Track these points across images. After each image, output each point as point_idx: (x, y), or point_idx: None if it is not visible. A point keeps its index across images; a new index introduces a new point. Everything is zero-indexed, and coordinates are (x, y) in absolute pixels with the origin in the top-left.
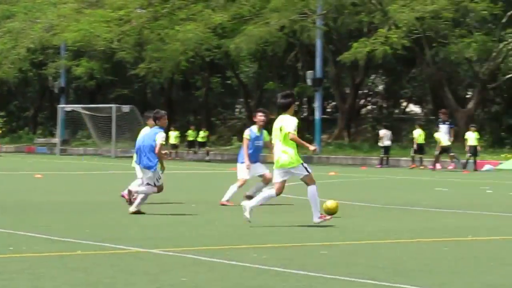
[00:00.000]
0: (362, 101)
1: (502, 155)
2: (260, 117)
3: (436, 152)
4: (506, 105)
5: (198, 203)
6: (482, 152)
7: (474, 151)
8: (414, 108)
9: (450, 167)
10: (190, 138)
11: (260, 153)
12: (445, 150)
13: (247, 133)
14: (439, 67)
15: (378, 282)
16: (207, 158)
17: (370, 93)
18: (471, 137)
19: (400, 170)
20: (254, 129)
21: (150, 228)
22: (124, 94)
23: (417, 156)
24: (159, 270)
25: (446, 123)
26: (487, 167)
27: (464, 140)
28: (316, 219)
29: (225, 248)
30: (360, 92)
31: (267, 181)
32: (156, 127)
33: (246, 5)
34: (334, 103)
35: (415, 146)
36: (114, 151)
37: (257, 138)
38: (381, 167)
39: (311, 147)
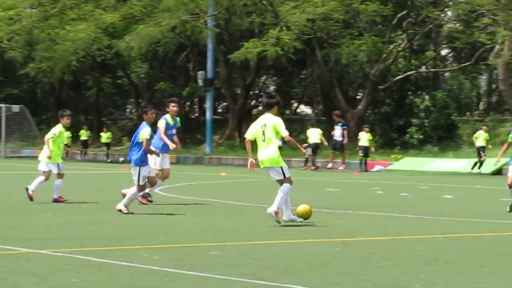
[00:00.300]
0: (253, 102)
1: (392, 156)
2: (173, 107)
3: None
4: (396, 106)
5: (89, 203)
6: (372, 152)
7: (365, 151)
8: (305, 109)
9: (341, 168)
10: (83, 138)
11: (171, 141)
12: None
13: (162, 122)
14: (329, 68)
15: (269, 283)
16: (108, 160)
17: (261, 93)
18: (364, 138)
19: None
20: (168, 118)
21: (39, 229)
22: (13, 94)
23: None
24: (49, 271)
25: (339, 124)
26: (377, 167)
27: (357, 140)
28: (285, 218)
29: (116, 248)
30: (251, 92)
31: (164, 177)
32: (144, 122)
33: (137, 5)
34: (225, 103)
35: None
36: (4, 151)
37: (171, 127)
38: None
39: (303, 150)
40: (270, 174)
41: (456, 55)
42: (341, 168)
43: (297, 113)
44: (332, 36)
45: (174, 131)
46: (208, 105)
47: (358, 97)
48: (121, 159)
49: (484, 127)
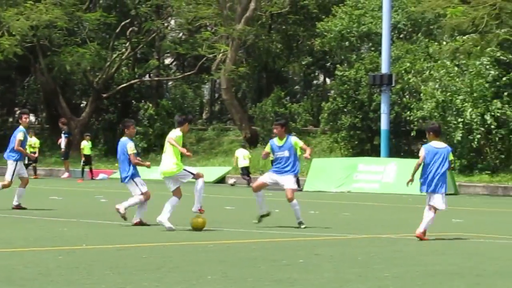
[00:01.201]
0: None
1: (116, 164)
2: (25, 119)
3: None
4: (120, 114)
5: None
6: (97, 161)
7: (89, 160)
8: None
9: (64, 176)
10: None
11: None
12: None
13: (21, 135)
14: (53, 76)
15: None
16: None
17: None
18: (86, 146)
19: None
20: (22, 129)
21: None
22: None
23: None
24: None
25: (63, 132)
26: (101, 176)
27: (80, 149)
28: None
29: None
30: None
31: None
32: (125, 137)
33: None
34: None
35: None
36: None
37: (27, 138)
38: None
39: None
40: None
41: (179, 64)
42: (65, 176)
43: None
44: (55, 43)
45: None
46: None
47: (82, 105)
48: None
49: None
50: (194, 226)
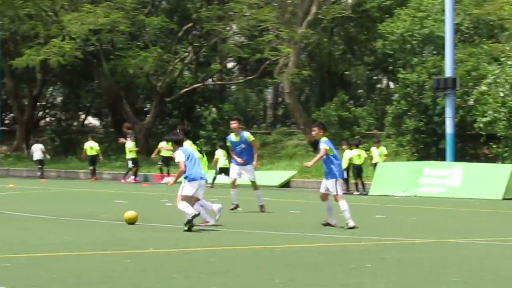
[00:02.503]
0: (41, 113)
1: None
2: None
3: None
4: (183, 118)
5: None
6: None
7: (167, 161)
8: (92, 121)
9: (129, 180)
10: None
11: None
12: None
13: None
14: (116, 80)
15: None
16: None
17: (49, 105)
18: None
19: (80, 182)
20: None
21: None
22: None
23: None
24: None
25: (128, 136)
26: (166, 179)
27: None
28: None
29: None
30: (38, 104)
31: None
32: None
33: None
34: (12, 114)
35: (83, 155)
36: None
37: None
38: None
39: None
40: None
41: (242, 68)
42: (130, 180)
43: (85, 124)
44: (118, 47)
45: None
46: None
47: (145, 109)
48: None
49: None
50: (127, 220)
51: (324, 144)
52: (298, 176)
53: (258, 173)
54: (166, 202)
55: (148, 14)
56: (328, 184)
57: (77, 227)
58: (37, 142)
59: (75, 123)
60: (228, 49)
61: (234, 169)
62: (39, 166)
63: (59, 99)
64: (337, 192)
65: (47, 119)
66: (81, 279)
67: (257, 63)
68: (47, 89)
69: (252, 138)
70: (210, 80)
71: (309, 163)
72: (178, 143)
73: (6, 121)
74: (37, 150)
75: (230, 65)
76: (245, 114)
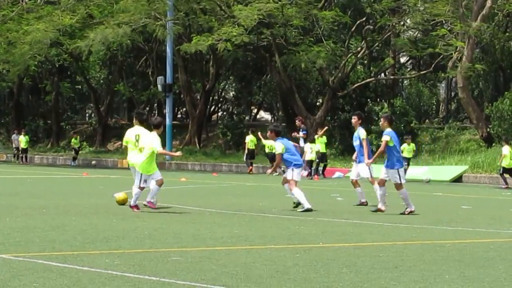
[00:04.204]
0: (213, 108)
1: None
2: None
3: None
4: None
5: (49, 208)
6: (332, 159)
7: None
8: (264, 115)
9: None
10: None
11: None
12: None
13: None
14: (288, 75)
15: None
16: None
17: (221, 99)
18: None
19: (251, 177)
20: None
21: None
22: None
23: (249, 161)
24: (10, 275)
25: (300, 129)
26: (337, 174)
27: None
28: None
29: (77, 253)
30: (211, 98)
31: None
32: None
33: (96, 9)
34: (184, 109)
35: (246, 151)
36: None
37: None
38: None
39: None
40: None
41: (415, 63)
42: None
43: (257, 119)
44: (291, 42)
45: None
46: (167, 110)
47: (317, 103)
48: (93, 162)
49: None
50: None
51: (386, 136)
52: (470, 171)
53: (430, 168)
54: (337, 196)
55: (322, 8)
56: (389, 173)
57: (247, 221)
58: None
59: (247, 117)
60: (401, 43)
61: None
62: None
63: (231, 93)
64: (400, 180)
65: (219, 114)
66: (251, 273)
67: (430, 58)
68: (219, 83)
69: (362, 136)
70: (382, 74)
71: (369, 161)
72: (277, 134)
73: (179, 116)
74: None
75: (403, 59)
76: (418, 109)
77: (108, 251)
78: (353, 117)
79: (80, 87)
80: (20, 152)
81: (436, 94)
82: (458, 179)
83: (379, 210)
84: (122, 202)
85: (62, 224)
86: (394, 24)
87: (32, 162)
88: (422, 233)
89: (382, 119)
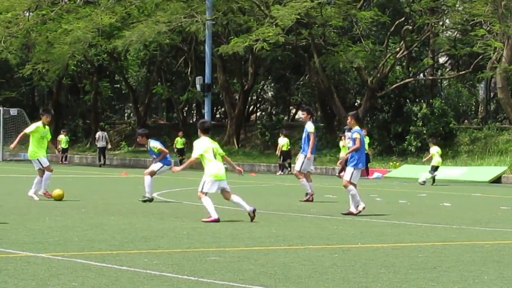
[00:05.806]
0: (251, 108)
1: (391, 163)
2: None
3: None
4: (394, 114)
5: (87, 207)
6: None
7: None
8: (303, 115)
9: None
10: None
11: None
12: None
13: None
14: (327, 75)
15: None
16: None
17: (260, 99)
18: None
19: (289, 177)
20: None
21: (38, 232)
22: (11, 97)
23: (284, 163)
24: (49, 274)
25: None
26: (376, 174)
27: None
28: None
29: (116, 253)
30: (249, 98)
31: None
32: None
33: (135, 9)
34: (223, 109)
35: (277, 152)
36: (2, 154)
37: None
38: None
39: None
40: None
41: (454, 63)
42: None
43: (296, 119)
44: (329, 42)
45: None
46: (206, 110)
47: (356, 104)
48: None
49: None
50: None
51: (356, 134)
52: (510, 172)
53: (469, 169)
54: (376, 197)
55: (361, 8)
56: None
57: (285, 221)
58: (102, 130)
59: (285, 118)
60: (440, 43)
61: None
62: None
63: (270, 93)
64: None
65: (258, 114)
66: (289, 273)
67: (469, 58)
68: (258, 83)
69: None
70: (421, 75)
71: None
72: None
73: (217, 116)
74: (102, 139)
75: (442, 59)
76: (457, 110)
77: (146, 250)
78: (302, 112)
79: (119, 86)
80: (60, 152)
81: (475, 94)
82: (497, 180)
83: (350, 213)
84: (58, 198)
85: (101, 224)
86: (433, 24)
87: (72, 162)
88: (460, 234)
89: (349, 118)
